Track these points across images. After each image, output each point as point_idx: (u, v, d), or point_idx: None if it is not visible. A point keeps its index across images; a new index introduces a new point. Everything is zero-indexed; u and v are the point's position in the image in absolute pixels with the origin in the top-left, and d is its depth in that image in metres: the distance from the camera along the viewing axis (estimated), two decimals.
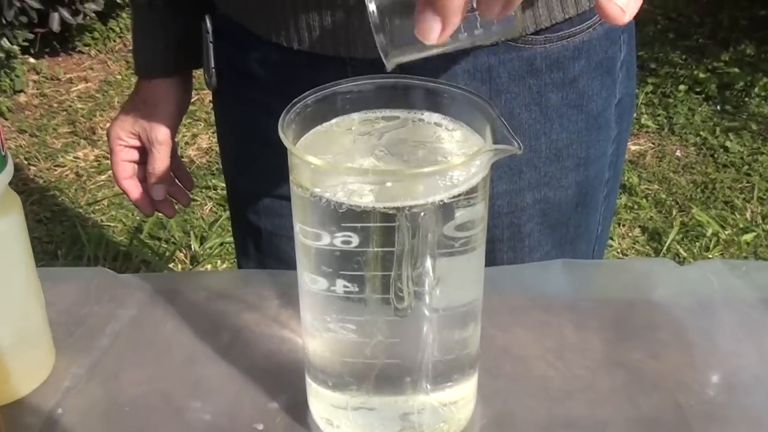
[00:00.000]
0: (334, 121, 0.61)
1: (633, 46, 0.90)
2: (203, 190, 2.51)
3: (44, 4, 2.95)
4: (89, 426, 0.64)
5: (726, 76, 3.04)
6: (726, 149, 2.70)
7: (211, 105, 2.67)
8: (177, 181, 1.04)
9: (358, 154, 0.58)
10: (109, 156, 1.02)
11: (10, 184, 0.62)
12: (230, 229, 2.35)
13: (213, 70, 0.92)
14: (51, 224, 2.43)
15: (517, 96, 0.83)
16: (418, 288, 0.56)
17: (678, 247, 2.30)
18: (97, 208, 2.51)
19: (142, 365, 0.69)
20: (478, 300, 0.61)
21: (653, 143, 2.77)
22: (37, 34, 3.14)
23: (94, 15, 3.18)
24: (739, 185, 2.55)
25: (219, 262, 2.29)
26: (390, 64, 0.58)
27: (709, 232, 2.35)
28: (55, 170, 2.69)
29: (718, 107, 2.91)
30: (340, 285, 0.56)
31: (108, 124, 3.02)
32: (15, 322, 0.66)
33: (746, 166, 2.62)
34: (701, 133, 2.79)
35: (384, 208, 0.53)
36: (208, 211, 2.48)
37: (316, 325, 0.60)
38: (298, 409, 0.65)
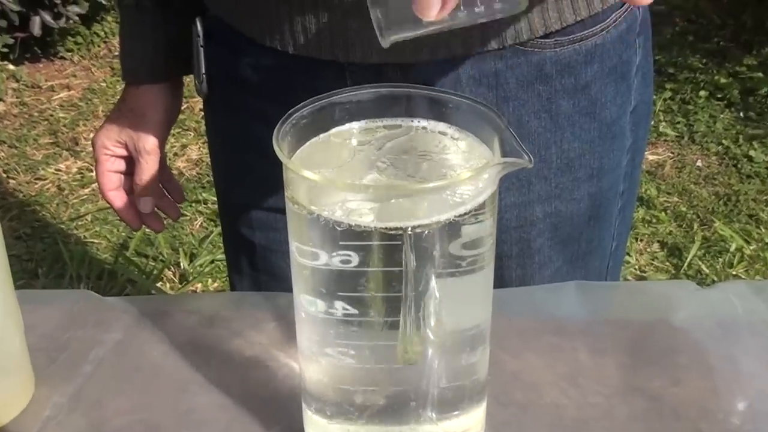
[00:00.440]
0: (332, 132, 0.61)
1: (649, 50, 0.90)
2: (193, 204, 2.51)
3: (24, 7, 2.96)
4: None
5: (749, 81, 3.04)
6: (750, 159, 2.70)
7: (201, 114, 2.68)
8: (166, 193, 1.04)
9: (359, 167, 0.58)
10: (93, 168, 1.02)
11: None
12: (222, 245, 2.36)
13: (204, 75, 0.92)
14: (31, 241, 2.43)
15: (526, 103, 0.83)
16: (423, 311, 0.56)
17: (700, 263, 2.30)
18: (80, 223, 2.51)
19: (128, 393, 0.69)
20: (486, 323, 0.61)
21: (672, 153, 2.77)
22: (17, 39, 3.15)
23: (77, 18, 3.19)
24: (765, 197, 2.55)
25: (210, 280, 2.29)
26: (385, 42, 0.58)
27: (733, 247, 2.34)
28: (36, 183, 2.69)
29: (741, 114, 2.91)
30: (339, 307, 0.56)
31: (92, 135, 3.02)
32: None
33: None
34: (723, 141, 2.79)
35: (386, 228, 0.53)
36: (198, 226, 2.48)
37: (314, 350, 0.60)
38: None
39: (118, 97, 1.00)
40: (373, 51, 0.79)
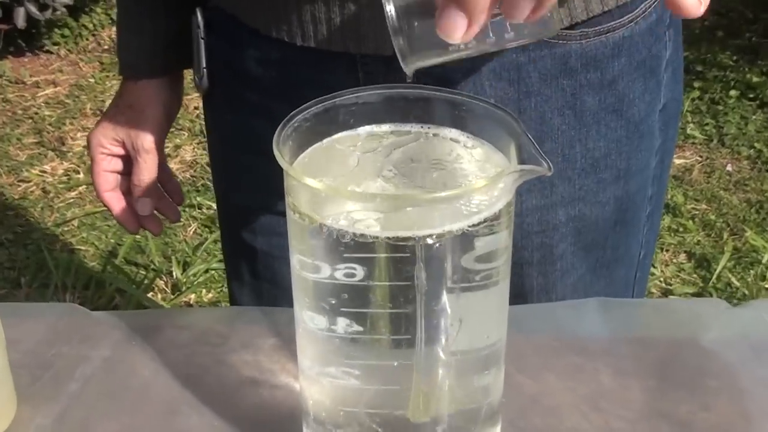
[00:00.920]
0: (336, 136, 0.61)
1: (680, 44, 0.90)
2: (187, 209, 2.51)
3: None
4: None
5: None
6: None
7: (196, 112, 2.69)
8: (165, 194, 1.04)
9: (364, 175, 0.58)
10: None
11: None
12: (217, 253, 2.37)
13: (204, 69, 0.92)
14: (13, 247, 2.43)
15: (549, 99, 0.83)
16: (432, 328, 0.56)
17: (730, 275, 2.30)
18: (66, 229, 2.52)
19: (116, 414, 0.69)
20: (501, 341, 0.61)
21: (700, 156, 2.76)
22: (0, 32, 3.15)
23: (64, 10, 3.20)
24: None
25: (204, 291, 2.29)
26: (409, 69, 0.59)
27: (765, 258, 2.34)
28: (19, 186, 2.70)
29: None
30: (342, 324, 0.56)
31: (79, 134, 3.03)
32: None
33: None
34: (755, 144, 2.79)
35: (394, 239, 0.53)
36: (192, 233, 2.48)
37: (315, 370, 0.60)
38: None
39: (108, 94, 1.01)
40: (387, 42, 0.79)
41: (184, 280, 2.31)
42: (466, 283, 0.56)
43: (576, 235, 0.90)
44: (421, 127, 0.61)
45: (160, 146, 0.99)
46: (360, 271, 0.54)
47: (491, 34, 0.57)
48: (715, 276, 2.29)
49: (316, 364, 0.60)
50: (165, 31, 0.95)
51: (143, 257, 2.40)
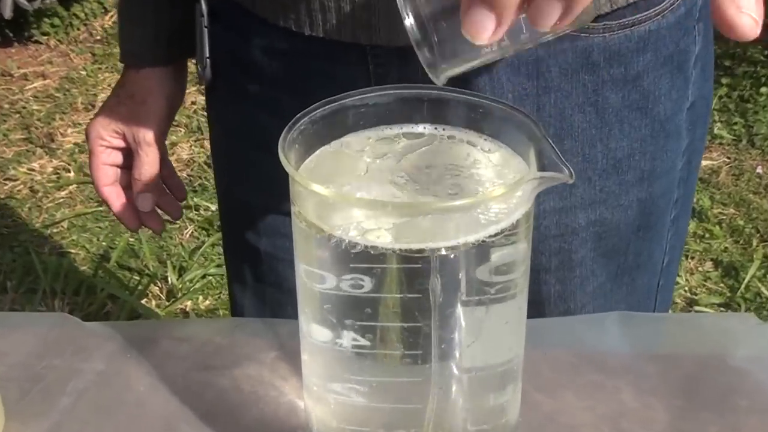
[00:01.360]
0: (344, 139, 0.61)
1: (710, 39, 0.90)
2: (183, 211, 2.52)
3: None
4: None
5: None
6: None
7: (194, 107, 2.69)
8: (167, 190, 1.05)
9: (374, 180, 0.58)
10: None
11: None
12: (215, 258, 2.37)
13: (207, 60, 0.92)
14: None
15: (570, 95, 0.83)
16: (445, 343, 0.56)
17: (759, 285, 2.29)
18: (55, 230, 2.52)
19: (111, 431, 0.69)
20: (518, 357, 0.61)
21: (729, 158, 2.76)
22: None
23: None
24: None
25: (201, 298, 2.29)
26: (440, 80, 0.58)
27: None
28: (6, 184, 2.71)
29: None
30: (349, 338, 0.57)
31: (70, 130, 3.03)
32: None
33: None
34: None
35: (407, 251, 0.53)
36: (188, 236, 2.49)
37: (321, 386, 0.60)
38: None
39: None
40: (400, 33, 0.79)
41: (180, 286, 2.32)
42: (481, 296, 0.56)
43: (596, 240, 0.90)
44: (435, 128, 0.61)
45: (161, 139, 0.99)
46: (368, 283, 0.55)
47: (525, 30, 0.56)
48: (743, 285, 2.28)
49: (322, 380, 0.60)
50: (169, 19, 0.96)
51: (137, 261, 2.40)
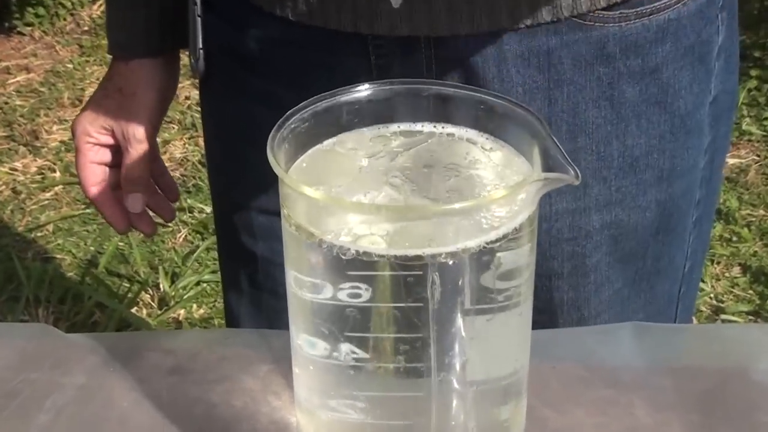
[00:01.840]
0: (338, 138, 0.61)
1: (735, 29, 0.90)
2: (176, 213, 2.52)
3: None
4: None
5: None
6: None
7: (188, 102, 2.70)
8: (158, 190, 1.05)
9: (369, 182, 0.58)
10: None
11: None
12: (209, 264, 2.38)
13: (200, 51, 0.93)
14: None
15: (584, 88, 0.83)
16: (446, 355, 0.56)
17: None
18: (39, 234, 2.53)
19: None
20: (523, 370, 0.61)
21: (758, 155, 2.76)
22: None
23: None
24: None
25: (195, 306, 2.29)
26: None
27: None
28: None
29: None
30: (346, 350, 0.57)
31: (55, 127, 3.03)
32: None
33: None
34: None
35: (402, 257, 0.53)
36: (181, 240, 2.49)
37: (314, 402, 0.60)
38: None
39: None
40: (402, 22, 0.79)
41: (173, 293, 2.32)
42: (483, 304, 0.56)
43: (612, 244, 0.90)
44: (434, 126, 0.61)
45: (152, 135, 0.99)
46: (365, 292, 0.55)
47: None
48: None
49: (315, 395, 0.60)
50: (160, 7, 0.96)
51: (127, 267, 2.40)
